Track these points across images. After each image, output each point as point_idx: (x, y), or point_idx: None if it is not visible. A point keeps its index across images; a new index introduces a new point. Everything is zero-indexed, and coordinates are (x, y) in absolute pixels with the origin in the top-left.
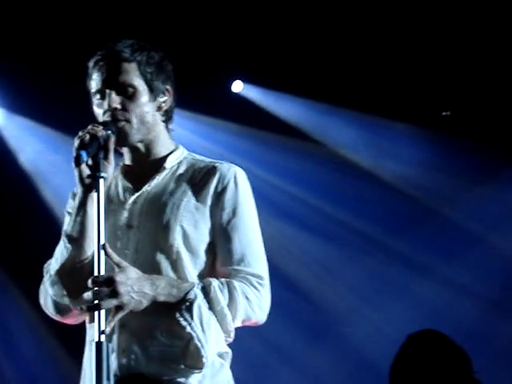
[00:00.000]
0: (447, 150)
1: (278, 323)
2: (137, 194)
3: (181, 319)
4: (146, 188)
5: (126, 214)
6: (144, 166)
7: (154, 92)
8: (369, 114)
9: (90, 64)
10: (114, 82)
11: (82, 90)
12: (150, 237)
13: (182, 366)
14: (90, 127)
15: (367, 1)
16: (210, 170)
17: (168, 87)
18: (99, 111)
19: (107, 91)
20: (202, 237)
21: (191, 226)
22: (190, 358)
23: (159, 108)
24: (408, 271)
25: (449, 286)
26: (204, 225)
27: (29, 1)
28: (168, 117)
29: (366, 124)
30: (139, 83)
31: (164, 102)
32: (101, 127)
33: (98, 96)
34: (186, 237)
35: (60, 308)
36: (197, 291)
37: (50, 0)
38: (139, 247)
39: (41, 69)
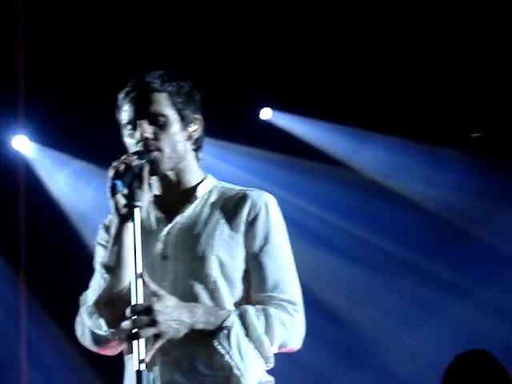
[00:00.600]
0: (480, 172)
1: (313, 349)
2: (170, 225)
3: (219, 347)
4: (179, 218)
5: (160, 245)
6: (174, 195)
7: (184, 121)
8: (399, 138)
9: (121, 95)
10: (146, 112)
11: (112, 122)
12: (186, 267)
13: None
14: (124, 157)
15: (401, 30)
16: (241, 198)
17: (198, 116)
18: (131, 141)
19: (138, 122)
20: (237, 265)
21: (226, 254)
22: None
23: (189, 137)
24: (443, 294)
25: (485, 308)
26: (239, 253)
27: (57, 36)
28: (198, 146)
29: (396, 147)
30: (170, 113)
31: (194, 130)
32: (135, 157)
33: (129, 127)
34: (222, 266)
35: (98, 339)
36: (234, 318)
37: (78, 35)
38: (176, 278)
39: (71, 102)
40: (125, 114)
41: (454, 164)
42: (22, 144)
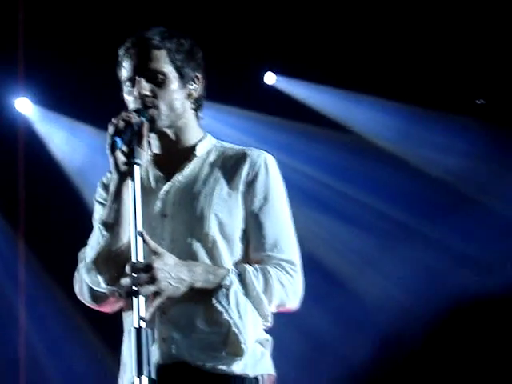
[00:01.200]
0: (483, 137)
1: (315, 313)
2: (169, 183)
3: (218, 305)
4: (178, 177)
5: (159, 204)
6: (173, 153)
7: (183, 79)
8: (402, 102)
9: (121, 52)
10: (144, 69)
11: (111, 80)
12: (184, 226)
13: (224, 354)
14: (123, 114)
15: None
16: (241, 157)
17: (198, 74)
18: (130, 98)
19: (137, 78)
20: (236, 224)
21: (225, 213)
22: (231, 345)
23: (189, 95)
24: (445, 259)
25: (487, 276)
26: (238, 212)
27: None
28: (198, 104)
29: (399, 112)
30: (169, 70)
31: (194, 89)
32: (134, 114)
33: (128, 83)
34: (221, 225)
35: (96, 295)
36: (232, 277)
37: None
38: (175, 236)
39: (71, 62)
40: (124, 70)
41: (458, 130)
42: (24, 106)
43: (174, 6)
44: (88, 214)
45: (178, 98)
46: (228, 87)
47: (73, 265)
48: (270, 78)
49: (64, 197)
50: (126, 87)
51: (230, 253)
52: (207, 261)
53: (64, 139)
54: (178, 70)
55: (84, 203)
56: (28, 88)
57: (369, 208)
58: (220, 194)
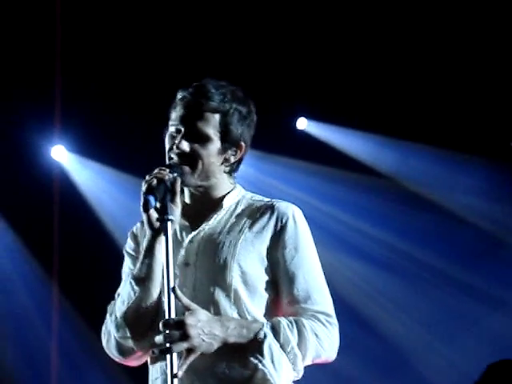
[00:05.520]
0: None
1: (347, 359)
2: (194, 233)
3: (251, 358)
4: (204, 227)
5: (182, 253)
6: (202, 204)
7: (226, 144)
8: (437, 147)
9: (179, 94)
10: (192, 125)
11: (145, 129)
12: (207, 275)
13: None
14: (156, 171)
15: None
16: (268, 209)
17: (242, 143)
18: (169, 140)
19: (182, 130)
20: (259, 275)
21: (249, 263)
22: None
23: (226, 160)
24: (479, 305)
25: None
26: (262, 263)
27: (94, 45)
28: (233, 168)
29: (433, 157)
30: (215, 134)
31: (233, 155)
32: (167, 170)
33: (173, 129)
34: (243, 274)
35: (124, 350)
36: (266, 331)
37: (115, 44)
38: (197, 285)
39: (108, 112)
40: (174, 114)
41: (494, 174)
42: (60, 153)
43: (206, 51)
44: (119, 258)
45: (215, 161)
46: (261, 133)
47: (104, 308)
48: (302, 124)
49: (97, 242)
50: (170, 128)
51: (252, 303)
52: (230, 310)
53: (97, 185)
54: (225, 134)
55: (115, 247)
56: (63, 136)
57: (403, 253)
58: (244, 244)
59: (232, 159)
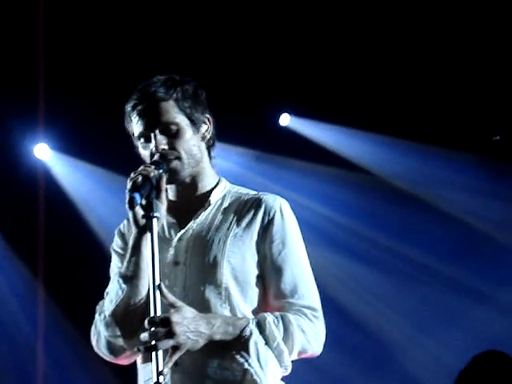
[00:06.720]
0: (500, 175)
1: (333, 354)
2: (182, 231)
3: (237, 356)
4: (192, 224)
5: (172, 251)
6: (189, 201)
7: (195, 124)
8: (423, 143)
9: (128, 108)
10: (157, 123)
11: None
12: (197, 273)
13: None
14: (141, 168)
15: (422, 35)
16: (255, 203)
17: (207, 116)
18: (146, 153)
19: (152, 134)
20: (250, 270)
21: (239, 260)
22: None
23: (203, 138)
24: (464, 299)
25: (506, 313)
26: (251, 258)
27: (77, 44)
28: (211, 144)
29: (415, 151)
30: (181, 119)
31: (206, 130)
32: (152, 167)
33: (142, 140)
34: (234, 271)
35: (114, 349)
36: (252, 327)
37: (97, 43)
38: (187, 284)
39: (91, 110)
40: (135, 126)
41: (476, 168)
42: (43, 152)
43: (188, 49)
44: (106, 258)
45: (195, 143)
46: (244, 129)
47: (91, 309)
48: (284, 120)
49: (82, 240)
50: (141, 143)
51: (244, 299)
52: (220, 307)
53: (82, 184)
54: (189, 116)
55: (102, 247)
56: (46, 134)
57: (387, 249)
58: (234, 240)
59: (207, 135)
